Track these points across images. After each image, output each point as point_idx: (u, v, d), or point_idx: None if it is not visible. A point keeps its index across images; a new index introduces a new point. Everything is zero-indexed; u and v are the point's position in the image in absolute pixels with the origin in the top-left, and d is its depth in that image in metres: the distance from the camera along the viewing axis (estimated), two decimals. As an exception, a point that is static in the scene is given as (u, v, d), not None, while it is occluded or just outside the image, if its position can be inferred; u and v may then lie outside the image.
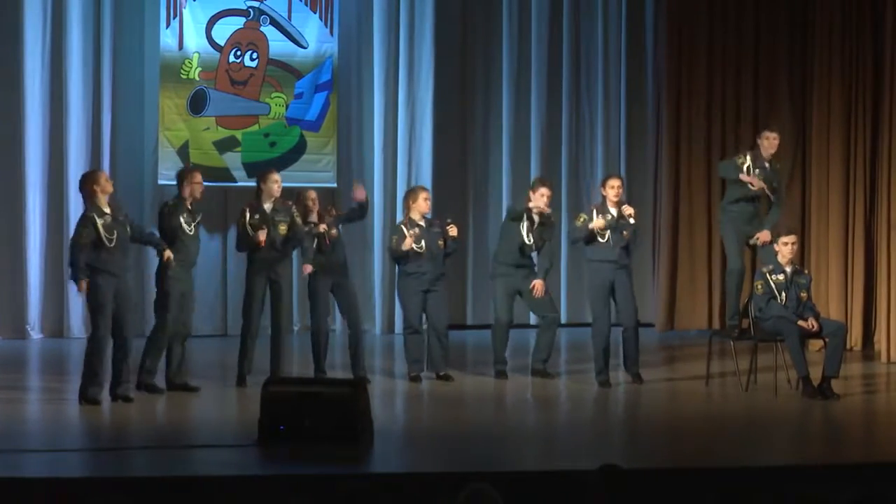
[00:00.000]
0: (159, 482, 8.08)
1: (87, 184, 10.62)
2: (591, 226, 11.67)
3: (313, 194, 11.90)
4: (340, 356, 12.23)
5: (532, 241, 12.03)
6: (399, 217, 14.69)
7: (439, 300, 11.89)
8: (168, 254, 10.85)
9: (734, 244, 12.60)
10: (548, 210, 12.07)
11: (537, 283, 12.02)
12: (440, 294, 11.89)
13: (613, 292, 11.75)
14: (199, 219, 11.24)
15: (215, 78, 14.75)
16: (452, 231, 11.87)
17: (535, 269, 12.14)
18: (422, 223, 11.87)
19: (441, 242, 11.85)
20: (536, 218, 12.04)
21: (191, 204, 11.16)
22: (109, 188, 10.63)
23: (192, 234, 11.09)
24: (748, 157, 12.49)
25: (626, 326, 11.83)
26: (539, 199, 12.03)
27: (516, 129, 15.74)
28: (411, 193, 12.14)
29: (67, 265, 10.71)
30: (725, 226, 12.73)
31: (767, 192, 12.45)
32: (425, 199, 11.95)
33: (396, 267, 12.08)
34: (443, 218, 12.13)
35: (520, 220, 12.05)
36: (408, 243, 11.70)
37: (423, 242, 11.79)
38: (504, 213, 12.68)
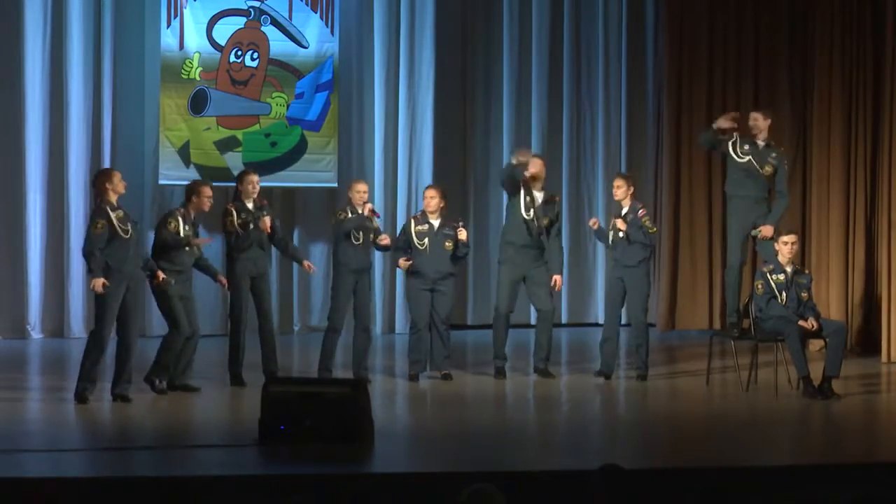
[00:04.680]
0: (159, 482, 8.08)
1: (100, 181, 10.65)
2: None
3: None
4: (341, 356, 12.23)
5: (533, 217, 12.02)
6: (400, 215, 14.81)
7: (444, 299, 11.91)
8: (161, 275, 10.84)
9: (736, 238, 12.53)
10: (535, 170, 12.05)
11: (557, 279, 12.12)
12: (446, 294, 11.92)
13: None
14: (196, 232, 11.27)
15: (216, 78, 14.76)
16: (461, 234, 11.90)
17: (545, 255, 12.11)
18: (433, 221, 11.91)
19: (449, 244, 11.87)
20: (539, 195, 12.05)
21: (195, 217, 11.20)
22: (122, 189, 10.65)
23: (187, 250, 11.11)
24: (735, 135, 12.43)
25: (635, 324, 12.03)
26: (533, 167, 12.06)
27: (516, 129, 15.74)
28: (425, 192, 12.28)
29: (83, 255, 10.69)
30: (729, 217, 12.66)
31: (759, 169, 12.32)
32: (425, 197, 12.04)
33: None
34: (456, 220, 12.20)
35: (515, 189, 12.05)
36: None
37: (425, 240, 11.83)
38: (506, 212, 12.63)
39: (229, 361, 11.51)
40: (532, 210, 12.00)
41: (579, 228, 15.84)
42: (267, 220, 11.51)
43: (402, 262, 11.85)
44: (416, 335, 11.88)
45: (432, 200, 11.94)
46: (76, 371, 10.66)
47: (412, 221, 12.03)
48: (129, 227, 10.50)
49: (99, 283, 10.36)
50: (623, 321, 12.43)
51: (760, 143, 12.30)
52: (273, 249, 12.02)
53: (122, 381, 10.57)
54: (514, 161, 12.14)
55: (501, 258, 12.26)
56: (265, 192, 12.50)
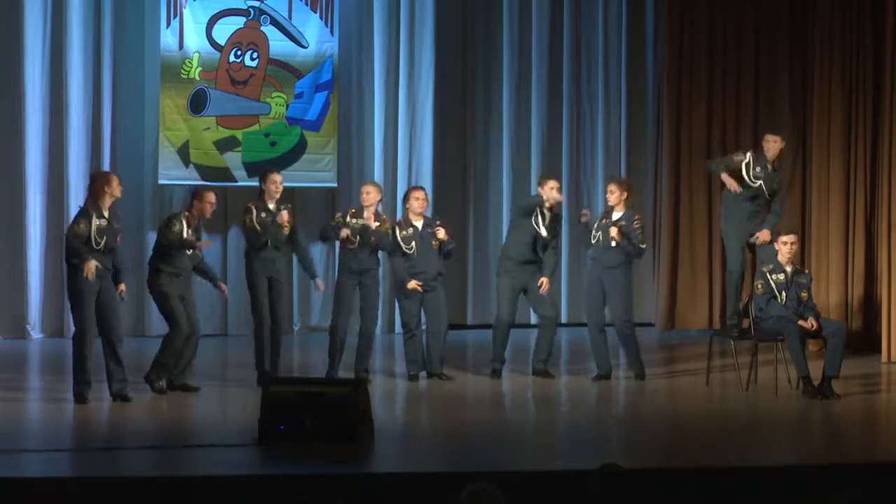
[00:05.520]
0: (159, 482, 8.08)
1: (98, 183, 10.66)
2: (582, 220, 12.19)
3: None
4: (343, 356, 12.22)
5: (547, 233, 12.03)
6: (400, 216, 14.77)
7: (436, 300, 11.91)
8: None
9: (734, 244, 12.61)
10: (561, 198, 12.17)
11: (544, 281, 12.07)
12: (437, 294, 11.91)
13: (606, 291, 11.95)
14: (199, 237, 11.28)
15: (215, 78, 14.75)
16: (439, 233, 11.89)
17: (542, 265, 12.12)
18: (417, 223, 11.91)
19: (435, 243, 11.88)
20: (548, 212, 12.07)
21: (198, 221, 11.22)
22: (118, 193, 10.69)
23: (188, 253, 11.12)
24: (748, 156, 12.55)
25: (616, 325, 12.00)
26: (550, 192, 12.06)
27: (516, 129, 15.74)
28: (407, 193, 12.22)
29: (65, 259, 10.74)
30: (726, 223, 12.73)
31: (766, 192, 12.50)
32: (416, 198, 12.00)
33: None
34: (441, 218, 12.19)
35: (532, 214, 12.07)
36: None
37: (413, 243, 11.84)
38: (506, 212, 12.66)
39: (256, 361, 11.52)
40: (544, 227, 12.02)
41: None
42: (285, 214, 11.50)
43: (413, 283, 11.79)
44: (409, 337, 11.89)
45: (425, 202, 11.97)
46: (74, 372, 10.67)
47: (396, 228, 11.98)
48: (104, 239, 10.47)
49: (91, 266, 10.38)
50: (606, 321, 12.39)
51: (769, 166, 12.47)
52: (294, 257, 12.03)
53: (116, 379, 10.58)
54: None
55: (500, 270, 12.25)
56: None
